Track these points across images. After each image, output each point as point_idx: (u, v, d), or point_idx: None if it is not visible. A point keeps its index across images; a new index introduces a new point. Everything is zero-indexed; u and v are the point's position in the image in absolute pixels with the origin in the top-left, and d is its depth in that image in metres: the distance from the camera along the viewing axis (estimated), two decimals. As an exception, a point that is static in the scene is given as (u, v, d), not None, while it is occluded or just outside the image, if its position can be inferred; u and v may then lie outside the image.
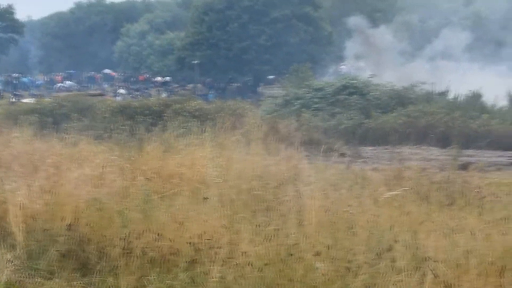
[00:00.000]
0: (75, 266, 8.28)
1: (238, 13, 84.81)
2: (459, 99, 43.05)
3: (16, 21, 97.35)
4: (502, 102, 42.51)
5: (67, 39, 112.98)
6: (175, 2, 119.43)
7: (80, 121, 28.24)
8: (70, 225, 8.70)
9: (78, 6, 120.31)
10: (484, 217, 9.65)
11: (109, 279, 7.82)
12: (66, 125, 25.89)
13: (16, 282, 7.79)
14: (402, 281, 6.30)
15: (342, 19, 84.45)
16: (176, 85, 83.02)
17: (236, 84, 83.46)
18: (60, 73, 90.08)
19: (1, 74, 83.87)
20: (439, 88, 45.72)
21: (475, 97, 42.82)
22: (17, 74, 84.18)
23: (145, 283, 7.55)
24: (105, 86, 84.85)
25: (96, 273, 7.97)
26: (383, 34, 78.36)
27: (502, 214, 10.08)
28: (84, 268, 8.26)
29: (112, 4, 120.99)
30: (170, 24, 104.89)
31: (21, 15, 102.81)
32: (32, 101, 53.02)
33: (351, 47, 79.40)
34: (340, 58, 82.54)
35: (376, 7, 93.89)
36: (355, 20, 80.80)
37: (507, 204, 12.10)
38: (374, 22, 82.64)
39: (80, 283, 7.85)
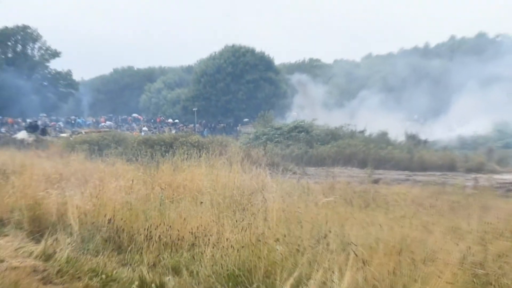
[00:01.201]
0: (113, 248, 8.33)
1: (223, 76, 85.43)
2: (372, 136, 43.21)
3: (73, 80, 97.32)
4: (401, 138, 42.88)
5: (108, 93, 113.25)
6: (181, 68, 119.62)
7: (116, 149, 27.98)
8: (110, 219, 8.75)
9: (115, 71, 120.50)
10: (388, 215, 9.75)
11: (136, 256, 7.87)
12: (107, 151, 25.67)
13: (73, 258, 7.83)
14: (334, 258, 6.35)
15: (292, 81, 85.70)
16: (182, 125, 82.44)
17: (222, 124, 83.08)
18: (103, 116, 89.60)
19: (63, 117, 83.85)
20: (359, 128, 45.91)
21: (383, 135, 43.04)
22: (74, 117, 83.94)
23: (161, 259, 7.61)
24: (134, 125, 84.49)
25: (128, 252, 8.02)
26: (320, 91, 79.46)
27: (400, 213, 10.20)
28: (119, 249, 8.31)
29: (139, 69, 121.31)
30: (178, 83, 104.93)
31: (76, 76, 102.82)
32: (67, 135, 52.07)
33: (299, 100, 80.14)
34: (292, 108, 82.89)
35: (316, 73, 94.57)
36: (300, 80, 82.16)
37: (403, 207, 12.23)
38: (315, 83, 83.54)
39: (117, 259, 7.91)
